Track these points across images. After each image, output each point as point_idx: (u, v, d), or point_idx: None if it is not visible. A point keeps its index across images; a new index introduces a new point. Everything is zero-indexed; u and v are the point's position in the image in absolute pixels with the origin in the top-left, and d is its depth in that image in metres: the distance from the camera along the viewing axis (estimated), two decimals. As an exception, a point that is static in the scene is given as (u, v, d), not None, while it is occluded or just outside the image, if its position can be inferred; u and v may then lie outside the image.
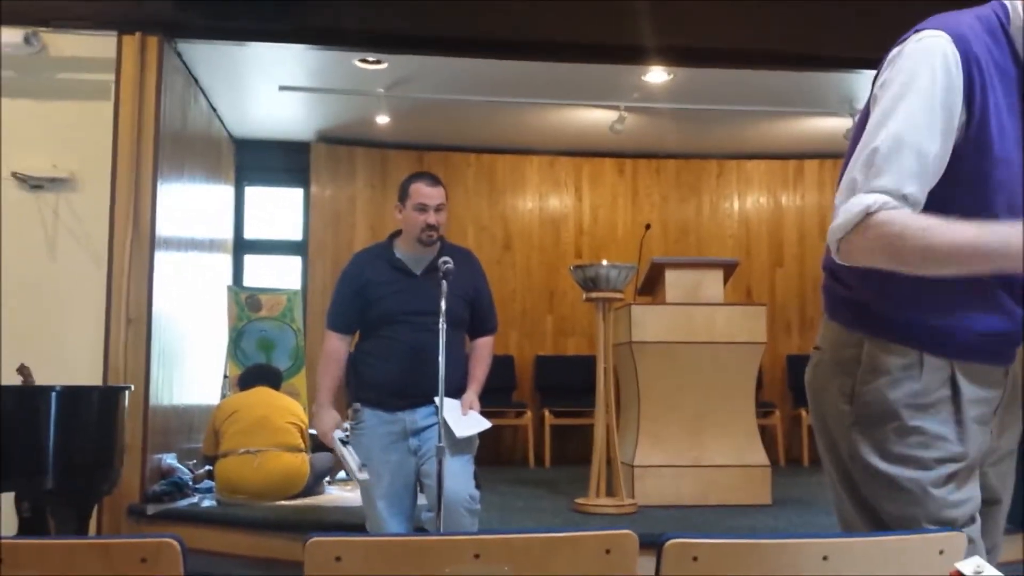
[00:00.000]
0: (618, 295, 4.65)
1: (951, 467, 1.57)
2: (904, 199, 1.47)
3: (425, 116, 7.12)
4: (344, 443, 3.25)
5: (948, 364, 1.58)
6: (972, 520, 1.59)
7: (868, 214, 1.46)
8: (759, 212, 8.25)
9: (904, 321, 1.59)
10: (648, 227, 6.13)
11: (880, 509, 1.60)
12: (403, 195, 3.37)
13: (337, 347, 3.41)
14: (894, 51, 1.57)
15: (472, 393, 3.35)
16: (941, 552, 1.42)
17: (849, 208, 1.48)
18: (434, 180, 3.37)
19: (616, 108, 6.79)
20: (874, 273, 1.54)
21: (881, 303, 1.61)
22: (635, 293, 5.35)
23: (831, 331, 1.71)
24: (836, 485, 1.69)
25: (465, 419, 3.25)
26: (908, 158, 1.47)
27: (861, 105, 6.35)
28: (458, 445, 3.19)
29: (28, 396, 3.84)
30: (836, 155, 8.10)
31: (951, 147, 1.50)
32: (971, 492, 1.60)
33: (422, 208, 3.29)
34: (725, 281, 5.11)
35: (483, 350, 3.48)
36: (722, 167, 8.24)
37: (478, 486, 3.32)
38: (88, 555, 1.34)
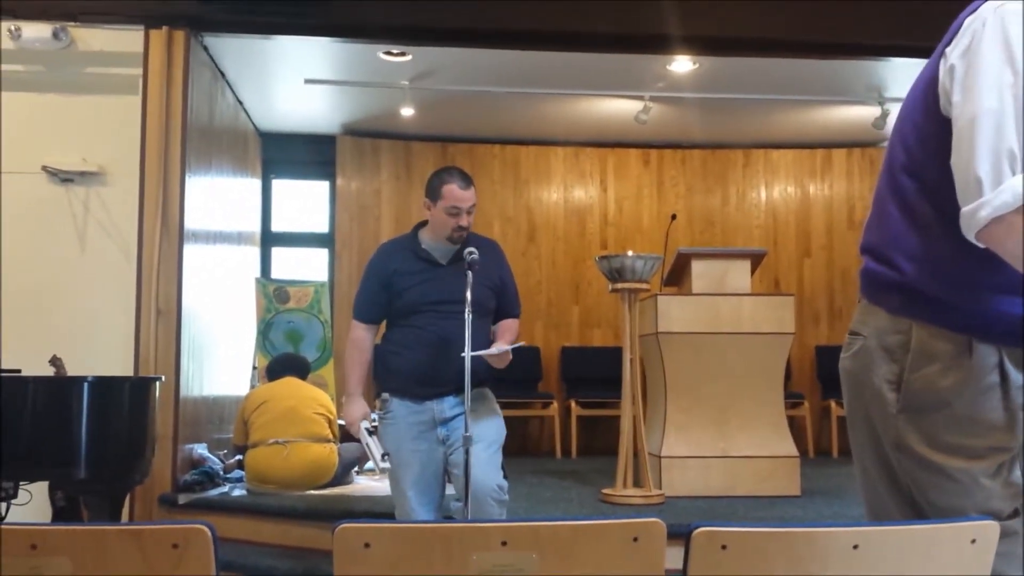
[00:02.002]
0: (644, 286, 4.63)
1: (1001, 456, 1.54)
2: None
3: (450, 108, 7.12)
4: (370, 433, 3.27)
5: (996, 351, 1.54)
6: (1016, 513, 1.56)
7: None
8: (786, 202, 8.18)
9: (955, 306, 1.55)
10: (674, 217, 6.10)
11: (924, 499, 1.57)
12: (434, 194, 3.33)
13: (363, 337, 3.42)
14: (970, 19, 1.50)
15: (502, 343, 3.29)
16: (973, 541, 1.40)
17: (1015, 187, 1.39)
18: (466, 180, 3.33)
19: (641, 98, 6.75)
20: (930, 257, 1.51)
21: (933, 288, 1.57)
22: (661, 284, 5.33)
23: (874, 317, 1.66)
24: (869, 473, 1.66)
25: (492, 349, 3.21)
26: None
27: (889, 93, 6.26)
28: (485, 433, 3.19)
29: (61, 387, 3.89)
30: (864, 144, 8.03)
31: None
32: (1018, 482, 1.57)
33: (455, 211, 3.28)
34: (752, 271, 5.08)
35: (508, 324, 3.46)
36: (748, 157, 8.18)
37: (505, 476, 3.33)
38: (120, 541, 1.35)
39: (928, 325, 1.57)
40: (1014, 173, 1.41)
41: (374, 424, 3.33)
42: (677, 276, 5.21)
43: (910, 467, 1.58)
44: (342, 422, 5.82)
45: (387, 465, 3.21)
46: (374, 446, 3.24)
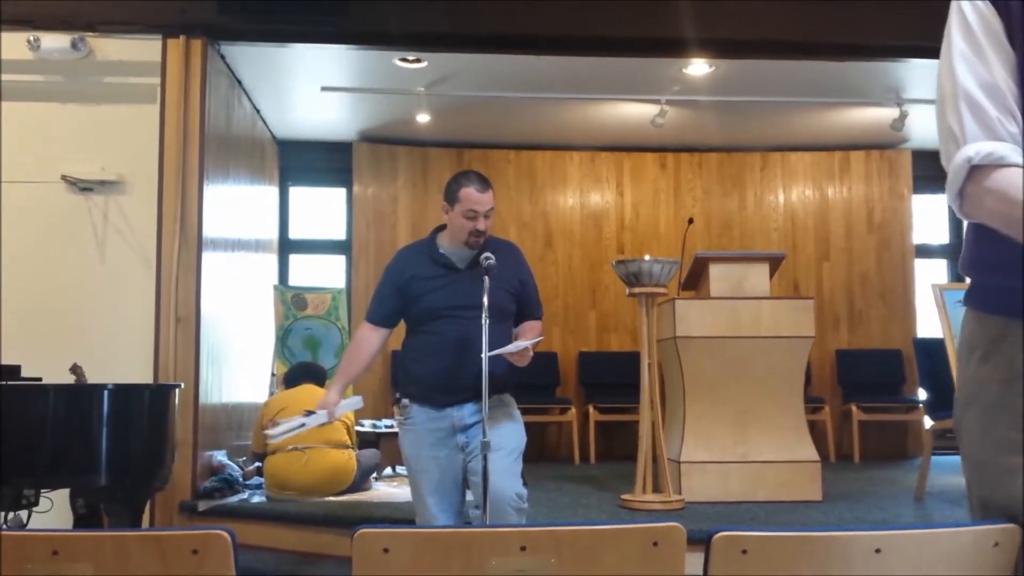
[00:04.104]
0: (661, 290, 4.61)
1: None
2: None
3: (465, 114, 7.13)
4: (306, 415, 3.28)
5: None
6: None
7: (973, 166, 1.43)
8: (805, 205, 8.14)
9: (990, 286, 1.53)
10: (691, 221, 6.08)
11: (976, 496, 1.53)
12: (452, 197, 3.31)
13: (367, 336, 3.41)
14: None
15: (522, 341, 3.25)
16: (996, 544, 1.39)
17: (956, 162, 1.44)
18: (484, 184, 3.31)
19: (657, 102, 6.74)
20: (971, 239, 1.50)
21: (974, 270, 1.56)
22: (679, 288, 5.31)
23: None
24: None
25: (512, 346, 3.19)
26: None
27: (907, 95, 6.25)
28: (504, 441, 3.18)
29: (81, 394, 3.91)
30: (883, 146, 7.99)
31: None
32: None
33: (473, 215, 3.27)
34: (771, 275, 5.05)
35: (530, 324, 3.42)
36: (766, 160, 8.15)
37: (525, 484, 3.31)
38: (141, 547, 1.36)
39: (974, 311, 1.56)
40: (959, 148, 1.45)
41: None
42: (695, 280, 5.19)
43: (964, 465, 1.55)
44: (362, 428, 5.85)
45: (281, 436, 3.29)
46: (296, 423, 3.25)
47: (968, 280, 1.60)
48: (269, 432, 3.36)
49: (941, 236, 8.40)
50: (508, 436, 3.23)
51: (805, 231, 8.11)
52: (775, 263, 5.12)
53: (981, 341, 1.53)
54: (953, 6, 1.52)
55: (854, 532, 1.35)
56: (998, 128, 1.44)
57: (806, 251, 8.08)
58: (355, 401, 3.42)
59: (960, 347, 1.61)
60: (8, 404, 3.71)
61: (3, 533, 1.36)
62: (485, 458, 3.00)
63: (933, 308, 4.95)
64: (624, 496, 4.68)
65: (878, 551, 1.34)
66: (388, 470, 5.93)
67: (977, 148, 1.43)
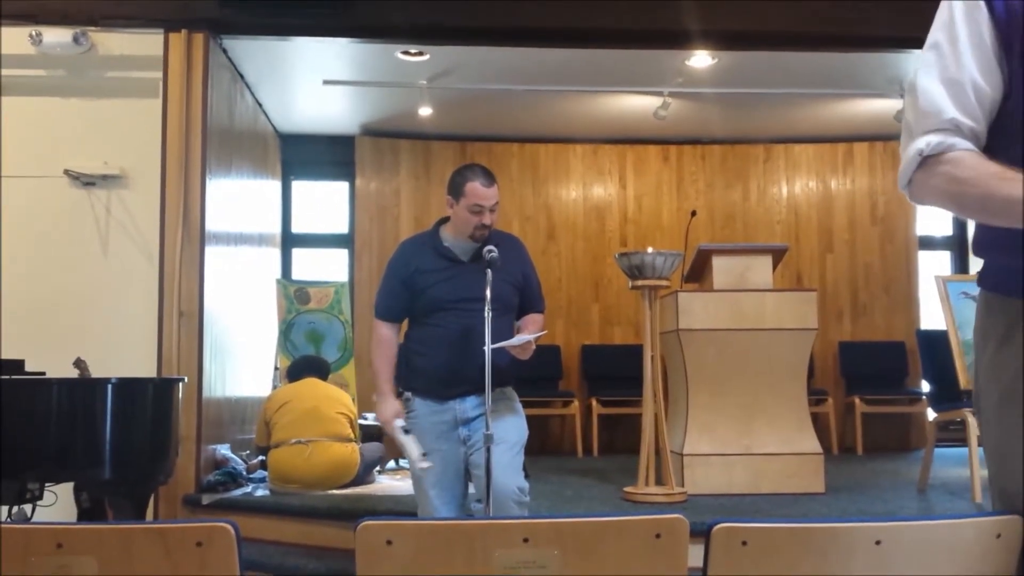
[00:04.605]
0: (664, 283, 4.61)
1: None
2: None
3: (468, 107, 7.13)
4: (406, 432, 3.23)
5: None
6: None
7: (923, 157, 1.48)
8: (808, 197, 8.13)
9: (1004, 267, 1.52)
10: (694, 214, 6.07)
11: (997, 487, 1.51)
12: (456, 191, 3.29)
13: (387, 335, 3.41)
14: None
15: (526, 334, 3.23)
16: (998, 536, 1.39)
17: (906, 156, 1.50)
18: (489, 178, 3.30)
19: (660, 94, 6.73)
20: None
21: (987, 250, 1.56)
22: (681, 280, 5.31)
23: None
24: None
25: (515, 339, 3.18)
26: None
27: (911, 85, 6.12)
28: (506, 435, 3.18)
29: (85, 389, 3.92)
30: (886, 137, 7.97)
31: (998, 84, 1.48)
32: None
33: (478, 210, 3.26)
34: (774, 267, 5.04)
35: (532, 317, 3.42)
36: (769, 152, 8.14)
37: (527, 477, 3.32)
38: (145, 540, 1.36)
39: (987, 292, 1.56)
40: (911, 140, 1.52)
41: (409, 419, 3.30)
42: (698, 272, 5.19)
43: (986, 454, 1.54)
44: (365, 421, 5.84)
45: (425, 465, 3.15)
46: (413, 446, 3.17)
47: (981, 262, 1.59)
48: (422, 465, 3.23)
49: (945, 228, 8.38)
50: (510, 430, 3.23)
51: (808, 223, 8.10)
52: (778, 255, 5.11)
53: (997, 325, 1.51)
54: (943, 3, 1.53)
55: (854, 524, 1.35)
56: (951, 122, 1.46)
57: (809, 243, 8.07)
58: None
59: (976, 333, 1.59)
60: (12, 398, 3.72)
61: (8, 526, 1.36)
62: (488, 451, 3.01)
63: (937, 300, 4.94)
64: (627, 488, 4.68)
65: (878, 543, 1.34)
66: (391, 463, 5.94)
67: (927, 140, 1.48)
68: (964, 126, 1.46)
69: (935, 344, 5.08)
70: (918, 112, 1.50)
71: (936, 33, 1.51)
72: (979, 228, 1.56)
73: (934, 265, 8.17)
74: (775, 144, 8.11)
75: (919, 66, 1.52)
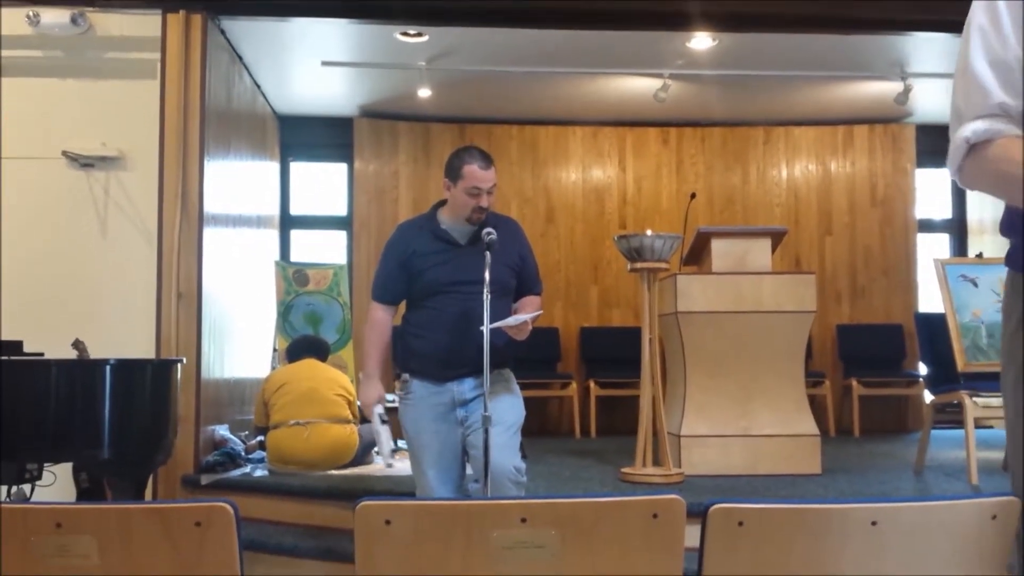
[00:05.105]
0: (663, 265, 4.61)
1: None
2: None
3: (467, 88, 7.10)
4: (384, 421, 3.26)
5: None
6: None
7: (971, 145, 1.47)
8: (808, 179, 8.12)
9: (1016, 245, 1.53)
10: (693, 196, 6.06)
11: (1012, 467, 1.52)
12: (454, 174, 3.30)
13: (381, 318, 3.42)
14: None
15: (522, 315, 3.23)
16: (994, 517, 1.39)
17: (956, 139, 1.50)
18: (487, 161, 3.30)
19: (660, 76, 6.71)
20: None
21: (1013, 231, 1.56)
22: (680, 263, 5.31)
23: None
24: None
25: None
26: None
27: (912, 68, 6.23)
28: (503, 416, 3.20)
29: (84, 370, 3.93)
30: (886, 120, 7.95)
31: None
32: None
33: (476, 192, 3.26)
34: (773, 250, 5.04)
35: (529, 299, 3.42)
36: (769, 134, 8.12)
37: (524, 457, 3.33)
38: (144, 519, 1.37)
39: (1013, 272, 1.57)
40: (960, 125, 1.51)
41: (392, 405, 3.33)
42: (697, 255, 5.19)
43: (1007, 434, 1.54)
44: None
45: (392, 463, 3.22)
46: (385, 436, 3.22)
47: (1003, 242, 1.60)
48: (389, 462, 3.29)
49: (944, 211, 8.37)
50: (507, 411, 3.25)
51: (808, 206, 8.09)
52: (777, 238, 5.11)
53: (1018, 304, 1.52)
54: None
55: (851, 504, 1.36)
56: (1000, 106, 1.44)
57: (809, 226, 8.06)
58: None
59: (1002, 311, 1.60)
60: (11, 379, 3.73)
61: (7, 506, 1.37)
62: (487, 432, 3.02)
63: (935, 283, 4.94)
64: (624, 469, 4.70)
65: (874, 523, 1.34)
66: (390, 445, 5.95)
67: (974, 128, 1.46)
68: (1012, 109, 1.46)
69: (933, 327, 5.09)
70: (967, 96, 1.49)
71: (978, 15, 1.50)
72: (1008, 210, 1.56)
73: (933, 248, 8.18)
74: (775, 127, 8.09)
75: (966, 49, 1.51)
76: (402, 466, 5.04)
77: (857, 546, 1.35)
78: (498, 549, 1.35)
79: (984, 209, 7.97)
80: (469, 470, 3.40)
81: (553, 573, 1.38)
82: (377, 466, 5.31)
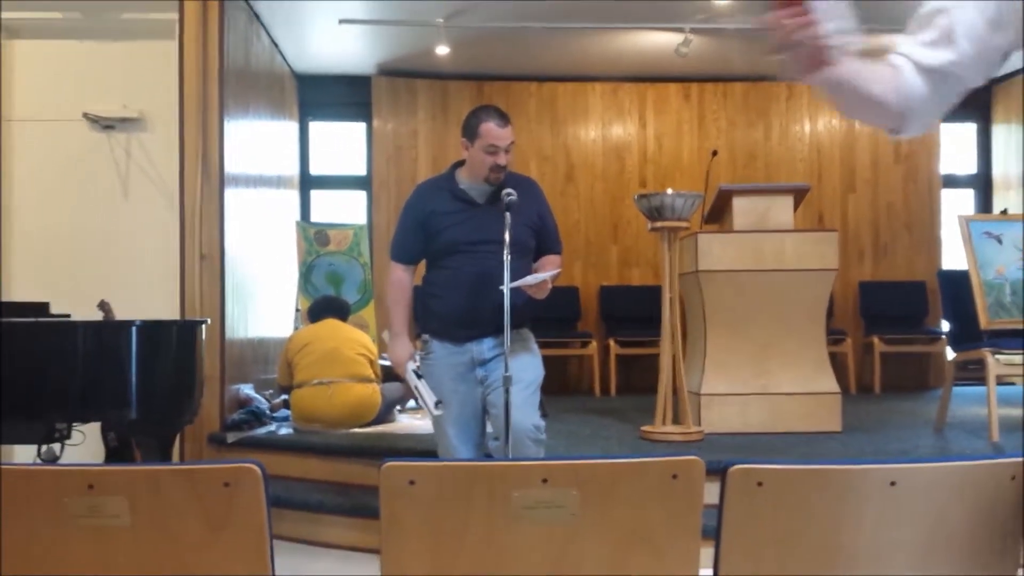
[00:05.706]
0: (684, 224, 4.59)
1: None
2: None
3: (485, 45, 7.04)
4: (419, 376, 3.27)
5: None
6: None
7: None
8: (831, 135, 8.03)
9: None
10: (715, 153, 6.03)
11: None
12: (471, 133, 3.29)
13: (402, 277, 3.44)
14: None
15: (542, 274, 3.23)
16: (1013, 478, 1.40)
17: None
18: (504, 119, 3.30)
19: (681, 30, 6.62)
20: None
21: None
22: (701, 222, 5.29)
23: None
24: None
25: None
26: None
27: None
28: (522, 374, 3.21)
29: (110, 331, 3.98)
30: (911, 74, 7.81)
31: None
32: None
33: (493, 150, 3.26)
34: (795, 207, 5.01)
35: (550, 259, 3.43)
36: (792, 90, 8.01)
37: (544, 415, 3.35)
38: (174, 480, 1.40)
39: None
40: None
41: (419, 366, 3.34)
42: (718, 213, 5.16)
43: None
44: (385, 362, 5.90)
45: (440, 412, 3.18)
46: (425, 392, 3.21)
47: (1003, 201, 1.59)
48: (436, 413, 3.25)
49: (969, 166, 8.26)
50: (526, 369, 3.27)
51: (831, 162, 8.01)
52: (800, 195, 5.07)
53: None
54: None
55: (870, 465, 1.37)
56: None
57: (831, 182, 7.99)
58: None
59: None
60: (39, 341, 3.78)
61: (41, 468, 1.40)
62: (507, 391, 3.05)
63: (959, 239, 4.90)
64: (644, 427, 4.73)
65: (893, 484, 1.35)
66: (411, 403, 6.01)
67: None
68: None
69: (956, 284, 5.05)
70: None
71: None
72: None
73: (958, 204, 8.08)
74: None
75: None
76: (423, 424, 5.10)
77: (876, 506, 1.36)
78: (519, 509, 1.37)
79: (1009, 164, 7.85)
80: (489, 428, 3.43)
81: (573, 532, 1.40)
82: (400, 424, 5.38)
